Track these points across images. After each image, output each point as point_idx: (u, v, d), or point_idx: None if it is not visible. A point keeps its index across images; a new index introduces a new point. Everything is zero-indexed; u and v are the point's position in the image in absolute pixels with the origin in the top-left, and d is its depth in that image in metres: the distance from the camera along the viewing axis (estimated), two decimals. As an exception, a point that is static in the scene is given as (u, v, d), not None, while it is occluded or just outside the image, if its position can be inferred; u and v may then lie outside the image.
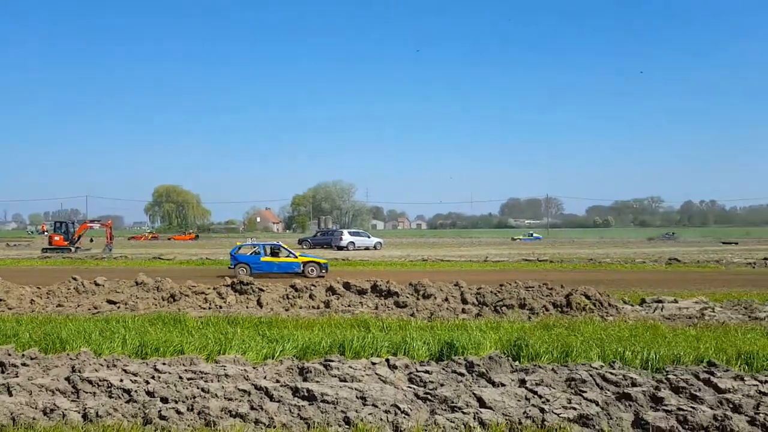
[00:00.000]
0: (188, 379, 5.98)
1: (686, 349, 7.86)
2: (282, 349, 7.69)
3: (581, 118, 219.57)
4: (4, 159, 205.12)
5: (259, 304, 12.73)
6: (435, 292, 12.84)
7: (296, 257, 20.84)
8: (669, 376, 6.42)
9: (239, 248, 21.59)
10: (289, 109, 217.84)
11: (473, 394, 5.70)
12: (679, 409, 5.46)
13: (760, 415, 5.40)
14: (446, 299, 12.63)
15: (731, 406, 5.66)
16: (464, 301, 12.47)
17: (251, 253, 20.98)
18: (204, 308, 12.52)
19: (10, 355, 6.92)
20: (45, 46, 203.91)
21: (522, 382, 6.17)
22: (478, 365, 6.61)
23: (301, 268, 20.44)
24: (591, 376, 6.30)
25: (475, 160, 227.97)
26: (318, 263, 20.84)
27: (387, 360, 6.87)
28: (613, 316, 11.38)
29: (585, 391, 5.86)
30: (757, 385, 6.19)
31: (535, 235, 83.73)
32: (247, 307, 12.56)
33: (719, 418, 5.27)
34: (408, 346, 7.81)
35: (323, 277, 19.21)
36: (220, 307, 12.57)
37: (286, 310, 12.31)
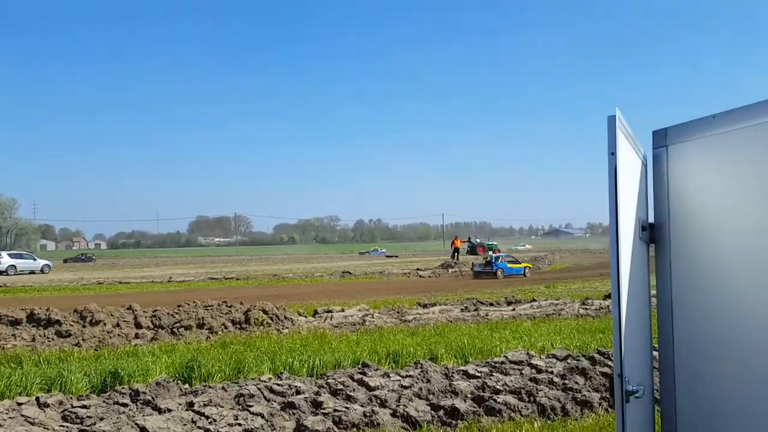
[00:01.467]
0: None
1: (347, 353, 8.75)
2: None
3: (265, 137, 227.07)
4: None
5: None
6: (105, 318, 11.85)
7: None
8: (329, 381, 7.06)
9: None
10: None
11: (136, 424, 5.46)
12: (335, 410, 6.05)
13: (401, 406, 6.30)
14: (117, 324, 11.77)
15: (379, 401, 6.49)
16: (138, 326, 11.80)
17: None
18: None
19: None
20: None
21: (190, 405, 6.11)
22: (144, 392, 6.34)
23: None
24: (259, 389, 6.56)
25: (163, 176, 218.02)
26: None
27: (37, 398, 6.13)
28: (288, 328, 12.03)
29: (252, 405, 6.08)
30: (399, 380, 7.21)
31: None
32: None
33: (368, 414, 5.99)
34: (65, 380, 7.08)
35: None
36: None
37: None
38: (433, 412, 6.20)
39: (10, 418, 5.63)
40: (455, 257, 42.71)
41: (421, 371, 7.46)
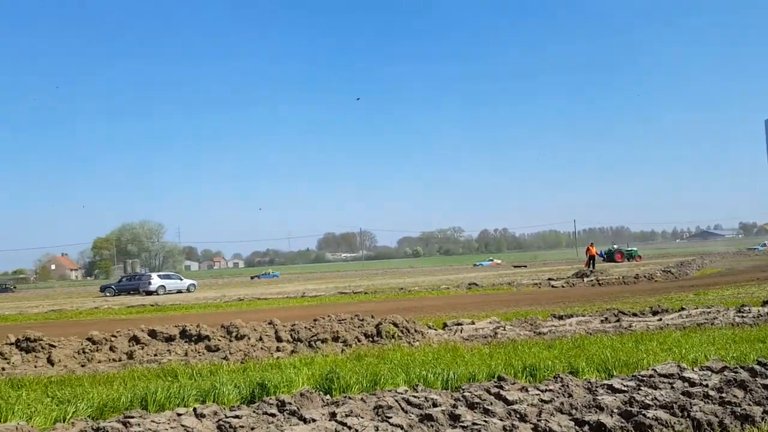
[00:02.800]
0: (-45, 457, 5.21)
1: (480, 366, 8.61)
2: (75, 410, 7.00)
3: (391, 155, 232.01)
4: None
5: (50, 361, 11.45)
6: (248, 332, 12.58)
7: None
8: (465, 394, 6.98)
9: None
10: (79, 146, 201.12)
11: (284, 433, 5.70)
12: (474, 423, 5.96)
13: (542, 421, 6.07)
14: (260, 338, 12.44)
15: (518, 416, 6.30)
16: (279, 339, 12.39)
17: None
18: (-20, 373, 10.95)
19: None
20: None
21: (332, 415, 6.29)
22: (290, 403, 6.62)
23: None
24: (396, 401, 6.62)
25: (292, 196, 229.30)
26: None
27: (194, 409, 6.59)
28: (419, 341, 12.06)
29: (391, 417, 6.14)
30: (539, 394, 6.97)
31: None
32: (35, 367, 11.22)
33: (508, 429, 5.84)
34: (218, 391, 7.56)
35: None
36: (3, 369, 11.08)
37: (83, 365, 11.22)
38: (577, 427, 5.91)
39: (171, 428, 6.08)
40: (591, 265, 40.87)
41: (562, 385, 7.16)
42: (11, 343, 12.18)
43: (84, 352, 11.93)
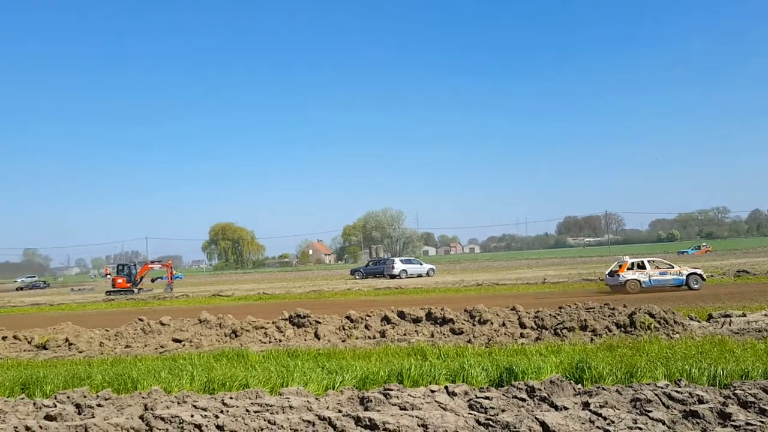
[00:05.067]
0: (255, 412, 6.16)
1: (755, 363, 7.60)
2: (342, 380, 7.82)
3: (638, 130, 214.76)
4: (65, 206, 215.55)
5: (317, 336, 12.92)
6: (491, 318, 12.75)
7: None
8: (737, 392, 6.23)
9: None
10: (337, 140, 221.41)
11: (536, 418, 5.67)
12: (748, 423, 5.31)
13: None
14: (503, 324, 12.52)
15: (806, 421, 5.45)
16: (522, 326, 12.34)
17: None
18: (264, 342, 12.79)
19: (85, 396, 7.27)
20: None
21: (585, 405, 6.09)
22: (540, 389, 6.56)
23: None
24: (656, 395, 6.16)
25: (528, 179, 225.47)
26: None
27: (446, 387, 6.90)
28: (679, 333, 11.05)
29: (650, 411, 5.74)
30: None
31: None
32: (305, 340, 12.77)
33: (793, 434, 5.09)
34: (466, 372, 7.81)
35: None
36: (280, 341, 12.81)
37: (343, 341, 12.46)
38: None
39: (426, 402, 6.46)
40: None
41: None
42: (285, 319, 14.01)
43: (344, 329, 13.23)
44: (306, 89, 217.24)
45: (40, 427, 6.10)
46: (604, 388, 6.65)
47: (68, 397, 7.23)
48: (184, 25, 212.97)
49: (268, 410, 6.23)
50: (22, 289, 64.51)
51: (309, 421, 5.79)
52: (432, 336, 12.40)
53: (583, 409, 5.98)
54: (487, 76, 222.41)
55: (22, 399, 7.48)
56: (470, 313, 13.15)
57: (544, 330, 11.94)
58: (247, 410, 6.24)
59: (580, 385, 7.02)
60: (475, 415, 6.04)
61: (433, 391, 6.85)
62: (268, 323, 13.88)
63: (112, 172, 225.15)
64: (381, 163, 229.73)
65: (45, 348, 13.44)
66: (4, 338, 14.26)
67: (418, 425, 5.72)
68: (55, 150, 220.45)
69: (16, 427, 6.14)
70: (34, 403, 7.13)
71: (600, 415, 5.73)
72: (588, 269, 41.07)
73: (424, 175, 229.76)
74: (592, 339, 11.08)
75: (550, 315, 12.55)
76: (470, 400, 6.54)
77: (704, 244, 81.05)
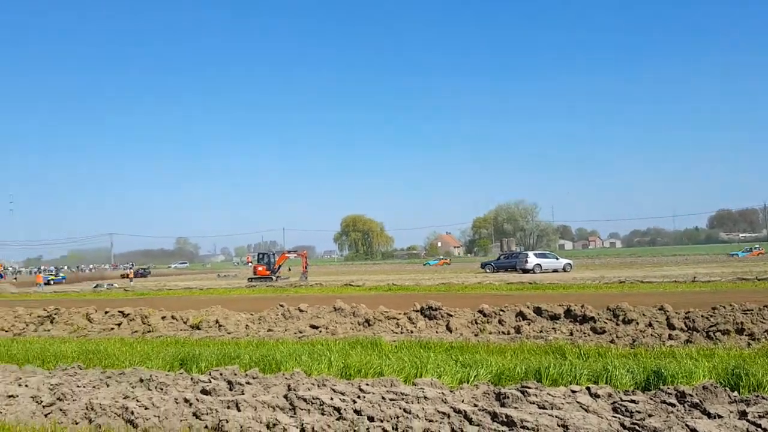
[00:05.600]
0: (390, 399, 6.24)
1: None
2: (476, 374, 7.71)
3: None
4: (212, 200, 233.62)
5: (448, 329, 12.88)
6: (636, 317, 11.98)
7: None
8: None
9: None
10: (466, 132, 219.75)
11: (686, 425, 5.23)
12: None
13: None
14: (650, 324, 11.72)
15: None
16: (671, 327, 11.48)
17: None
18: (396, 333, 12.98)
19: (236, 374, 7.78)
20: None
21: (742, 414, 5.52)
22: (691, 395, 6.05)
23: None
24: (834, 410, 5.44)
25: (676, 168, 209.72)
26: None
27: (588, 388, 6.57)
28: None
29: (826, 429, 5.08)
30: None
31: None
32: (436, 332, 12.78)
33: None
34: (610, 374, 7.40)
35: None
36: (411, 332, 12.93)
37: (476, 335, 12.31)
38: None
39: (567, 403, 6.18)
40: None
41: None
42: (417, 310, 14.11)
43: (476, 323, 13.08)
44: (439, 81, 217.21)
45: (197, 399, 6.61)
46: (764, 398, 5.99)
47: (221, 374, 7.78)
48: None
49: (403, 399, 6.29)
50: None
51: (444, 413, 5.76)
52: (571, 334, 11.90)
53: (739, 419, 5.43)
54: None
55: (180, 374, 8.16)
56: (613, 311, 12.45)
57: (695, 332, 11.02)
58: (383, 397, 6.34)
59: (736, 393, 6.38)
60: (619, 418, 5.70)
61: (574, 392, 6.55)
62: (399, 314, 14.06)
63: (253, 171, 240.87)
64: (512, 154, 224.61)
65: (198, 328, 14.59)
66: (163, 318, 15.67)
67: (558, 425, 5.49)
68: (209, 151, 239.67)
69: (176, 399, 6.71)
70: (191, 378, 7.75)
71: (759, 426, 5.17)
72: (743, 267, 37.46)
73: (559, 166, 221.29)
74: (749, 344, 10.06)
75: (702, 316, 11.56)
76: (614, 402, 6.18)
77: (754, 247, 70.91)
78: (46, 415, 6.70)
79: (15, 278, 67.62)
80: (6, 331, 16.26)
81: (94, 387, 7.65)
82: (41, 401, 7.06)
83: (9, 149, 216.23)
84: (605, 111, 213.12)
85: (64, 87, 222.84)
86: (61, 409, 6.75)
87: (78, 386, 7.63)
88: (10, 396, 7.20)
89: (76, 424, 6.39)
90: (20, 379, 8.33)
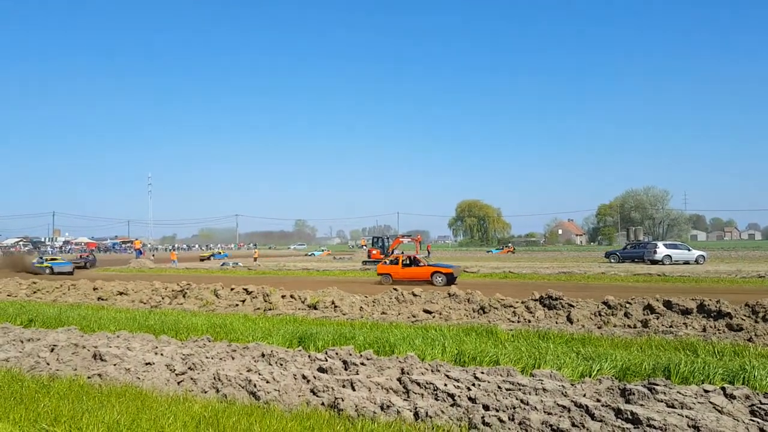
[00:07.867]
0: (506, 389, 6.09)
1: None
2: (599, 368, 7.34)
3: None
4: (332, 186, 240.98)
5: (569, 320, 12.38)
6: (780, 315, 10.88)
7: None
8: None
9: None
10: (590, 116, 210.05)
11: None
12: None
13: None
14: (792, 323, 10.59)
15: None
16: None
17: None
18: (512, 321, 12.67)
19: (350, 354, 7.94)
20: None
21: None
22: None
23: None
24: None
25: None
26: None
27: (723, 388, 6.03)
28: None
29: None
30: None
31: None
32: (556, 323, 12.32)
33: None
34: (747, 374, 6.77)
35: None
36: (529, 321, 12.57)
37: (599, 327, 11.73)
38: None
39: (699, 402, 5.72)
40: None
41: None
42: (536, 299, 13.68)
43: (600, 315, 12.46)
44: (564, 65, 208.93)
45: (314, 377, 6.82)
46: None
47: (336, 354, 7.98)
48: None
49: (520, 389, 6.11)
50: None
51: (564, 407, 5.53)
52: (704, 330, 11.03)
53: None
54: None
55: (299, 351, 8.46)
56: (752, 307, 11.38)
57: None
58: (499, 387, 6.19)
59: None
60: (758, 422, 5.21)
61: (706, 391, 6.05)
62: (517, 302, 13.72)
63: (367, 152, 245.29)
64: (645, 137, 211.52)
65: (315, 308, 15.08)
66: (283, 297, 16.35)
67: (688, 426, 5.10)
68: (334, 134, 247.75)
69: (295, 375, 6.95)
70: (309, 356, 8.01)
71: None
72: None
73: (692, 150, 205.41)
74: None
75: None
76: (752, 405, 5.64)
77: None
78: (178, 383, 7.20)
79: (153, 255, 73.54)
80: (144, 303, 17.73)
81: (221, 359, 8.13)
82: (174, 369, 7.60)
83: (148, 136, 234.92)
84: (745, 92, 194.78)
85: (191, 85, 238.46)
86: (192, 378, 7.22)
87: (207, 357, 8.14)
88: (147, 363, 7.82)
89: (205, 393, 6.81)
90: (156, 348, 9.03)
